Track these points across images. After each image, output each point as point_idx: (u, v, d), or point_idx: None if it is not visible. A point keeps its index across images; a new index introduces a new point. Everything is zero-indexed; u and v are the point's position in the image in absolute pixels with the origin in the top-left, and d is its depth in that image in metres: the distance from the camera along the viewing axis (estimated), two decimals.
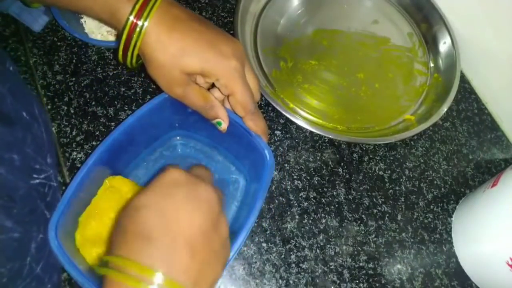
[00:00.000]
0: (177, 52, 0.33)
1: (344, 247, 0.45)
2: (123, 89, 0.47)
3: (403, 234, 0.47)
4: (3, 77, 0.30)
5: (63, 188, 0.41)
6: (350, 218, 0.46)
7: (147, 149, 0.43)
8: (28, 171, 0.32)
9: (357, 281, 0.43)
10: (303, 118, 0.48)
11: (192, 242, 0.26)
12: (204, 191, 0.28)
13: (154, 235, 0.25)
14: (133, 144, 0.40)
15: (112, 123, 0.45)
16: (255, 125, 0.38)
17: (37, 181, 0.33)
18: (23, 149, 0.31)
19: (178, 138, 0.45)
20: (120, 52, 0.34)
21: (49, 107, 0.44)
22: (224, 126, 0.38)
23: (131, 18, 0.32)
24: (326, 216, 0.46)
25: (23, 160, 0.31)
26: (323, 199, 0.47)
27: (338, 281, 0.43)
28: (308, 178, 0.48)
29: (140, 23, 0.32)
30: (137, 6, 0.32)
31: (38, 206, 0.32)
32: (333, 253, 0.44)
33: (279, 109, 0.46)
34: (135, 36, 0.33)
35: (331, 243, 0.44)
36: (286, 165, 0.48)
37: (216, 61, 0.34)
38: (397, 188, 0.50)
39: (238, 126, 0.38)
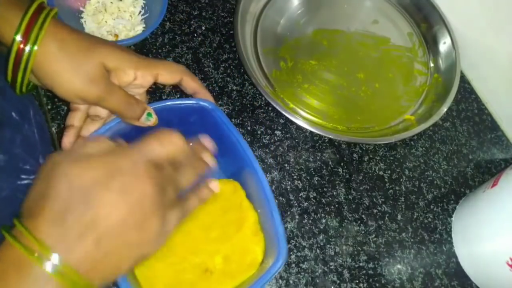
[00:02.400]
0: (83, 49, 0.32)
1: (344, 247, 0.44)
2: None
3: (403, 234, 0.47)
4: None
5: None
6: (350, 218, 0.46)
7: None
8: (16, 172, 0.31)
9: (357, 281, 0.43)
10: (303, 118, 0.48)
11: (104, 233, 0.25)
12: (145, 185, 0.26)
13: (69, 218, 0.24)
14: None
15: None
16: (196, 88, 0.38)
17: (25, 181, 0.32)
18: (11, 149, 0.31)
19: None
20: (10, 76, 0.32)
21: (49, 107, 0.44)
22: (154, 116, 0.37)
23: (18, 38, 0.30)
24: (326, 216, 0.46)
25: (9, 161, 0.30)
26: (323, 199, 0.47)
27: (338, 281, 0.43)
28: (308, 178, 0.48)
29: (28, 48, 0.30)
30: (23, 26, 0.30)
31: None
32: (333, 253, 0.44)
33: (279, 109, 0.46)
34: (23, 60, 0.30)
35: (331, 243, 0.44)
36: (286, 165, 0.48)
37: (127, 56, 0.34)
38: (397, 188, 0.50)
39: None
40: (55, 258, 0.23)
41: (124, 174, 0.26)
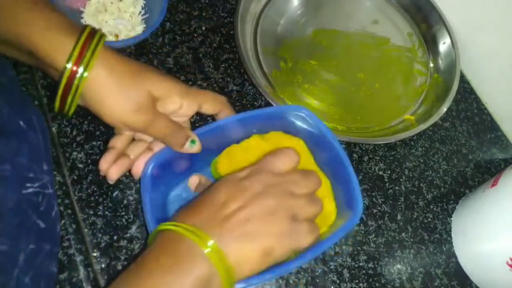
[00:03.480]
0: (131, 76, 0.33)
1: (344, 247, 0.45)
2: None
3: (403, 234, 0.47)
4: (1, 88, 0.30)
5: (63, 188, 0.41)
6: None
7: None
8: (21, 181, 0.31)
9: (357, 281, 0.43)
10: None
11: (267, 245, 0.31)
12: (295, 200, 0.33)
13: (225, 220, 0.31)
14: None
15: None
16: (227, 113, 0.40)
17: (30, 190, 0.32)
18: (16, 159, 0.31)
19: None
20: (58, 102, 0.33)
21: (49, 107, 0.44)
22: (198, 143, 0.37)
23: (70, 63, 0.31)
24: None
25: (14, 171, 0.30)
26: None
27: (338, 281, 0.43)
28: None
29: (79, 73, 0.31)
30: (76, 53, 0.31)
31: (29, 217, 0.32)
32: (333, 253, 0.44)
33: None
34: (74, 85, 0.31)
35: None
36: None
37: (174, 85, 0.36)
38: (396, 188, 0.50)
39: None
40: (211, 243, 0.29)
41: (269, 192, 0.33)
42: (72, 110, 0.33)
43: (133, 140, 0.39)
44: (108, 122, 0.34)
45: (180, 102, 0.36)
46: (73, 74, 0.31)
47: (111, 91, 0.32)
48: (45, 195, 0.34)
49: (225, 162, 0.40)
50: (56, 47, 0.31)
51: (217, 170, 0.40)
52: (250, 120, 0.40)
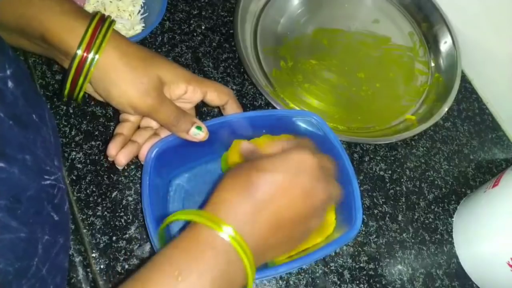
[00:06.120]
0: (142, 60, 0.34)
1: (345, 248, 0.44)
2: None
3: (404, 235, 0.47)
4: (19, 80, 0.31)
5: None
6: None
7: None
8: (40, 172, 0.32)
9: (357, 282, 0.43)
10: None
11: (281, 224, 0.29)
12: (319, 188, 0.30)
13: (251, 203, 0.28)
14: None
15: (111, 123, 0.45)
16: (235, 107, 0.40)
17: (48, 182, 0.33)
18: (34, 151, 0.31)
19: None
20: (68, 86, 0.34)
21: (48, 107, 0.44)
22: (205, 130, 0.37)
23: (82, 47, 0.32)
24: None
25: (34, 161, 0.31)
26: None
27: (338, 282, 0.42)
28: None
29: (90, 56, 0.32)
30: (87, 37, 0.32)
31: (44, 207, 0.32)
32: (333, 253, 0.44)
33: (279, 109, 0.46)
34: (86, 66, 0.32)
35: None
36: None
37: (181, 71, 0.36)
38: (397, 188, 0.50)
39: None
40: (230, 230, 0.27)
41: (307, 173, 0.30)
42: (82, 94, 0.34)
43: (138, 127, 0.39)
44: (116, 105, 0.35)
45: (185, 87, 0.36)
46: (84, 57, 0.32)
47: (122, 74, 0.33)
48: (59, 188, 0.34)
49: (235, 156, 0.40)
50: (68, 31, 0.32)
51: (228, 164, 0.40)
52: (260, 119, 0.40)
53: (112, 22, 0.34)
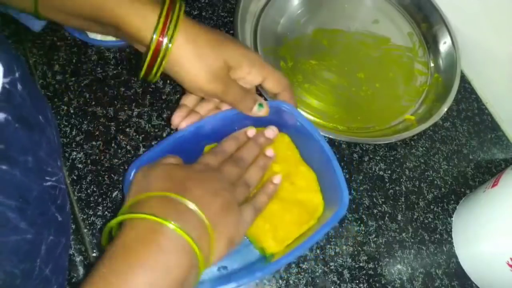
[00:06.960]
0: (211, 45, 0.35)
1: (344, 247, 0.44)
2: (122, 89, 0.47)
3: (403, 234, 0.47)
4: (25, 82, 0.31)
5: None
6: (350, 218, 0.46)
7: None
8: (41, 174, 0.32)
9: (357, 281, 0.43)
10: None
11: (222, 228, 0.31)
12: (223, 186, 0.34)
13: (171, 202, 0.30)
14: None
15: (112, 123, 0.45)
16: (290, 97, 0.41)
17: (49, 183, 0.33)
18: (37, 152, 0.32)
19: None
20: (144, 69, 0.35)
21: (50, 107, 0.44)
22: (266, 107, 0.40)
23: (156, 34, 0.33)
24: None
25: (36, 163, 0.31)
26: None
27: (338, 281, 0.42)
28: None
29: (164, 42, 0.33)
30: (160, 25, 0.33)
31: (49, 208, 0.33)
32: (333, 253, 0.44)
33: None
34: (161, 53, 0.34)
35: (331, 243, 0.44)
36: None
37: (247, 53, 0.38)
38: (397, 188, 0.50)
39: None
40: (171, 225, 0.29)
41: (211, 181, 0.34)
42: (158, 76, 0.36)
43: (202, 98, 0.41)
44: (187, 89, 0.37)
45: (249, 70, 0.38)
46: (159, 44, 0.33)
47: (192, 61, 0.35)
48: (60, 189, 0.34)
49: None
50: (140, 20, 0.33)
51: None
52: (237, 116, 0.40)
53: (181, 6, 0.35)
